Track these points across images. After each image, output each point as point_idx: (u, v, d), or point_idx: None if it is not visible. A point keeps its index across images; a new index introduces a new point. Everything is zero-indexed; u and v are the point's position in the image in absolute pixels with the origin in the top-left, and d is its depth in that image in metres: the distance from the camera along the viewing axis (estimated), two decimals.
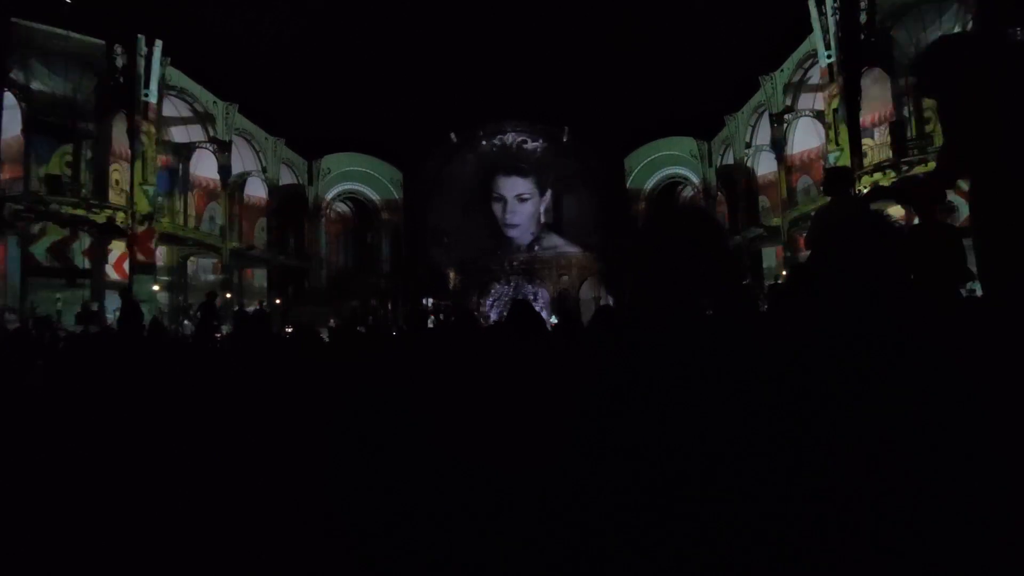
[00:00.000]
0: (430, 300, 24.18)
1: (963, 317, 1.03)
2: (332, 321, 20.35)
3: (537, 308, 3.73)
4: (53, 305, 18.84)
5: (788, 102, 25.12)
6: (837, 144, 21.38)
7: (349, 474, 2.15)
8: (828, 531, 0.93)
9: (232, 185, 27.58)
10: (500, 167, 32.75)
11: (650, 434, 1.11)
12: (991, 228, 1.08)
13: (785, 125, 25.48)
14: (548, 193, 32.77)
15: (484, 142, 33.01)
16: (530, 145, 32.76)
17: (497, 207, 32.73)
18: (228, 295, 26.08)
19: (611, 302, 25.28)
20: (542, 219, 32.86)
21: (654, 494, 1.06)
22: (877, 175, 19.86)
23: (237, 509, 2.01)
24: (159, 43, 22.41)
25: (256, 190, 29.75)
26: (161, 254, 23.80)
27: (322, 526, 1.94)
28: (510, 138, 32.85)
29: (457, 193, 32.93)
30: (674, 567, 1.01)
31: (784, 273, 23.34)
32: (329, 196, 33.32)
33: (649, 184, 33.22)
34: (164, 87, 23.13)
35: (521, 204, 32.55)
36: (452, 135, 32.37)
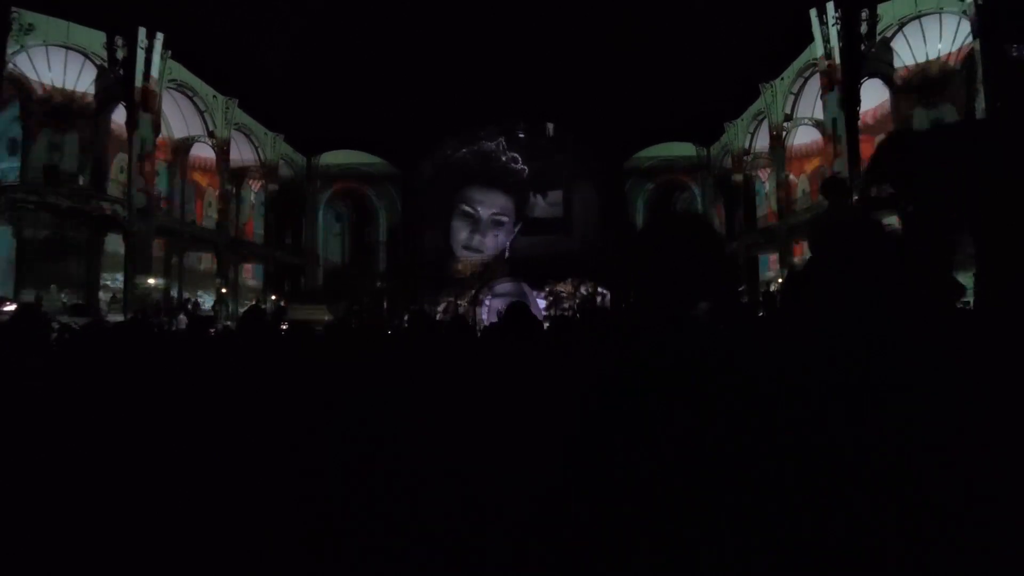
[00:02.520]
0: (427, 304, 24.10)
1: (964, 320, 1.04)
2: (326, 318, 20.31)
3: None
4: (49, 294, 18.78)
5: (788, 110, 25.25)
6: (835, 153, 21.51)
7: (346, 475, 2.14)
8: (826, 534, 0.93)
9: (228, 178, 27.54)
10: (479, 176, 28.34)
11: (648, 435, 1.11)
12: (993, 232, 1.10)
13: (784, 133, 25.63)
14: (519, 226, 28.68)
15: (469, 147, 29.41)
16: (519, 165, 29.22)
17: (462, 224, 28.21)
18: (224, 291, 26.01)
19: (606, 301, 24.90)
20: (507, 253, 28.38)
21: (651, 496, 1.06)
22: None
23: (235, 509, 2.00)
24: (160, 36, 22.35)
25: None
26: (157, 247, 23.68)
27: (320, 526, 1.93)
28: (499, 145, 29.38)
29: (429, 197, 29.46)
30: (671, 569, 1.01)
31: (780, 280, 23.42)
32: (327, 194, 33.14)
33: (648, 187, 33.16)
34: (164, 80, 23.06)
35: (493, 228, 28.29)
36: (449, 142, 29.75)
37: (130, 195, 21.62)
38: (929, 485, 0.92)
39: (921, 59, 20.56)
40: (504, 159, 29.44)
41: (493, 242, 29.15)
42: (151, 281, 22.22)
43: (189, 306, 22.37)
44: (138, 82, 21.87)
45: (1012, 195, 1.19)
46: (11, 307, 14.92)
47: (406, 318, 22.62)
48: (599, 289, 25.88)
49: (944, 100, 19.67)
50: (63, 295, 19.64)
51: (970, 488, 0.90)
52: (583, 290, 26.44)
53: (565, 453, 1.25)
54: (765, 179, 27.47)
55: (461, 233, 29.16)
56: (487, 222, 28.99)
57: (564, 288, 26.96)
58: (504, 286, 27.91)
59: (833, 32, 21.37)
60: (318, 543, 1.94)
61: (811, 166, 25.16)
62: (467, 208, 29.03)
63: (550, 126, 29.78)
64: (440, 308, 25.85)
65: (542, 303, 26.52)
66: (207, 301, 25.06)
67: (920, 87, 20.45)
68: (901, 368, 1.01)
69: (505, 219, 29.15)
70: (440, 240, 29.61)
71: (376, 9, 28.94)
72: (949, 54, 19.64)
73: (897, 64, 21.05)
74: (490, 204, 29.18)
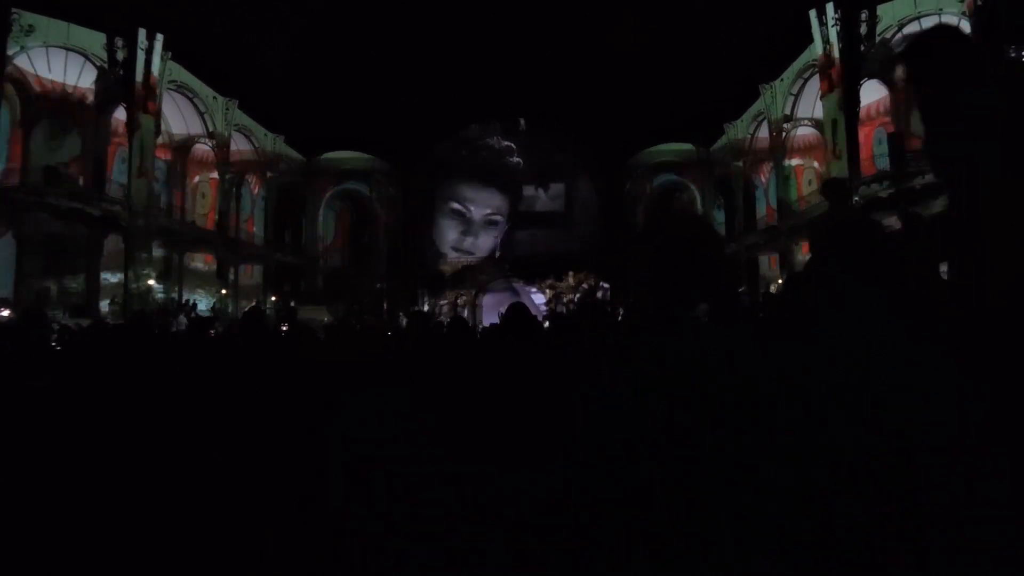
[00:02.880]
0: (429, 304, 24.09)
1: (962, 318, 1.04)
2: (326, 319, 20.32)
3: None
4: (48, 295, 18.80)
5: (788, 111, 25.24)
6: (835, 154, 21.51)
7: (346, 475, 2.15)
8: (826, 534, 0.93)
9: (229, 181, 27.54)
10: (474, 174, 27.75)
11: (648, 436, 1.12)
12: (991, 229, 1.09)
13: (784, 134, 25.64)
14: (507, 225, 27.99)
15: (464, 143, 28.87)
16: (514, 158, 28.53)
17: (451, 224, 27.47)
18: (224, 291, 26.00)
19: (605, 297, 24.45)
20: (497, 252, 27.72)
21: (651, 497, 1.07)
22: (875, 186, 19.96)
23: (235, 509, 2.00)
24: (160, 37, 22.36)
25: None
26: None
27: (320, 527, 1.94)
28: (495, 140, 28.74)
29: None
30: (671, 569, 1.02)
31: (780, 281, 23.42)
32: (327, 194, 33.05)
33: (648, 189, 33.05)
34: (164, 81, 23.05)
35: (487, 229, 27.56)
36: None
37: (130, 196, 21.63)
38: (929, 484, 0.93)
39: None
40: (498, 149, 28.46)
41: (488, 243, 28.28)
42: (151, 282, 22.22)
43: (188, 307, 22.37)
44: (138, 83, 21.87)
45: (1012, 195, 1.20)
46: (6, 312, 14.87)
47: (401, 319, 22.78)
48: (601, 283, 25.27)
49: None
50: (63, 296, 19.66)
51: (970, 488, 0.91)
52: (584, 285, 25.81)
53: (565, 454, 1.25)
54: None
55: (450, 233, 28.14)
56: (480, 223, 28.14)
57: (564, 283, 26.33)
58: (497, 284, 27.64)
59: (833, 33, 21.38)
60: (318, 543, 1.94)
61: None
62: (457, 206, 28.07)
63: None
64: (440, 309, 25.62)
65: (540, 299, 26.11)
66: (201, 302, 25.01)
67: None
68: (901, 368, 1.02)
69: (499, 219, 28.36)
70: (436, 239, 29.26)
71: (376, 9, 28.92)
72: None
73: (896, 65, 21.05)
74: (484, 204, 28.42)
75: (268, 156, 29.57)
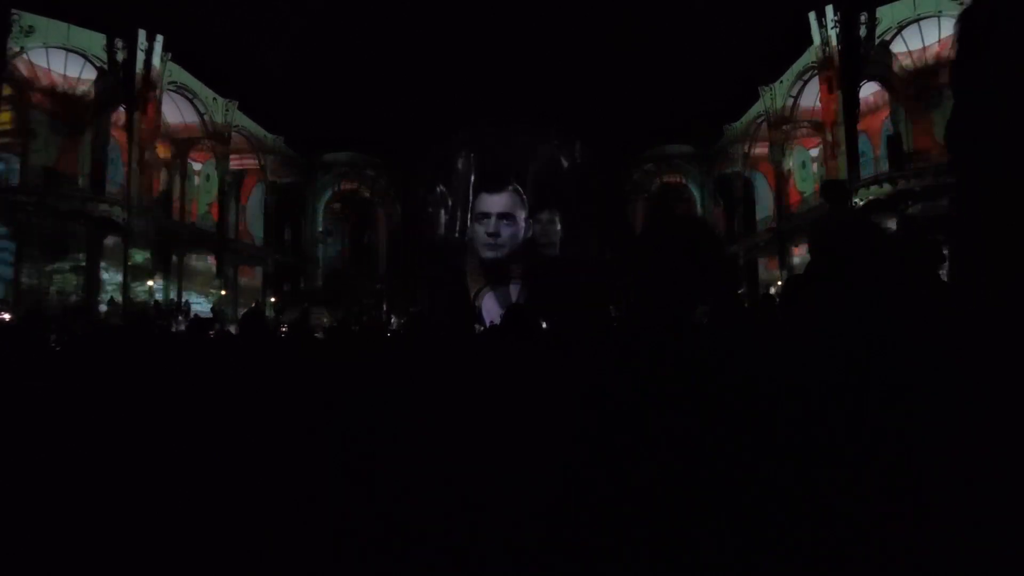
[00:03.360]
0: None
1: (962, 318, 1.04)
2: (325, 320, 20.31)
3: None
4: (48, 296, 18.80)
5: (787, 112, 25.26)
6: (834, 155, 21.55)
7: (347, 475, 2.15)
8: (826, 535, 0.93)
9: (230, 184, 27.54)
10: (484, 183, 29.67)
11: (648, 437, 1.12)
12: (994, 225, 1.09)
13: (783, 136, 25.66)
14: (526, 213, 29.74)
15: (469, 147, 30.22)
16: (515, 159, 29.57)
17: (479, 227, 29.34)
18: (223, 292, 25.99)
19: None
20: (525, 233, 29.51)
21: (652, 497, 1.07)
22: (873, 187, 20.00)
23: (237, 510, 2.01)
24: (160, 38, 22.37)
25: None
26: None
27: (321, 527, 1.94)
28: (501, 142, 29.96)
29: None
30: (671, 570, 1.02)
31: (779, 283, 23.43)
32: (326, 195, 33.03)
33: (647, 190, 33.00)
34: (164, 82, 23.05)
35: (506, 225, 29.20)
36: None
37: (129, 197, 21.63)
38: (930, 485, 0.93)
39: (920, 62, 20.58)
40: (503, 152, 29.84)
41: (508, 231, 29.56)
42: (149, 283, 22.20)
43: (184, 307, 22.36)
44: (138, 84, 21.88)
45: (1013, 194, 1.20)
46: (7, 316, 14.81)
47: (392, 320, 22.91)
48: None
49: (941, 87, 19.39)
50: (62, 297, 19.65)
51: (970, 488, 0.91)
52: None
53: (565, 454, 1.25)
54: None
55: (477, 233, 29.71)
56: (495, 219, 29.57)
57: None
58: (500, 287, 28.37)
59: (832, 35, 21.42)
60: (318, 543, 1.94)
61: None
62: (478, 211, 29.66)
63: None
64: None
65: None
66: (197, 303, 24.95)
67: (917, 75, 20.34)
68: (901, 369, 1.02)
69: (512, 216, 29.75)
70: (454, 239, 30.27)
71: (376, 9, 28.93)
72: (941, 41, 19.49)
73: (896, 67, 21.07)
74: (494, 205, 29.76)
75: (267, 156, 29.60)
